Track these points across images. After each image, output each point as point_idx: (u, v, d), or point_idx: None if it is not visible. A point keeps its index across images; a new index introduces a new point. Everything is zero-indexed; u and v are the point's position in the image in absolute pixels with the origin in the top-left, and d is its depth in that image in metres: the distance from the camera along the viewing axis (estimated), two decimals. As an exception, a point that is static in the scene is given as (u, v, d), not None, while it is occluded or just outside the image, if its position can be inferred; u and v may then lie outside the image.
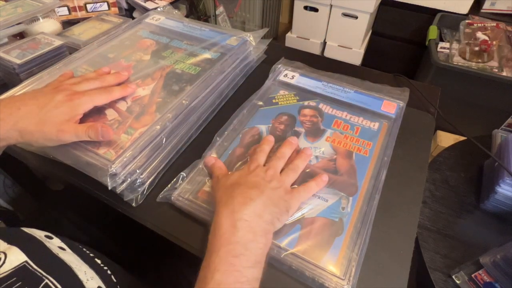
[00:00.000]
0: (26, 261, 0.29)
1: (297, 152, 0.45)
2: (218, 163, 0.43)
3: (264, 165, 0.40)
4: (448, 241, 0.61)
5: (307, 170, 0.43)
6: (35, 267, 0.30)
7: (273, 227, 0.35)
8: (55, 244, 0.35)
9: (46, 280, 0.29)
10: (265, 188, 0.36)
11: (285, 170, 0.40)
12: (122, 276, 0.39)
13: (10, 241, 0.31)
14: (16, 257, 0.29)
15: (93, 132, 0.39)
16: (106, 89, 0.45)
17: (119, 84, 0.48)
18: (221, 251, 0.30)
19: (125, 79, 0.50)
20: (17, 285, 0.27)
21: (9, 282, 0.27)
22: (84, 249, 0.38)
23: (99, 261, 0.38)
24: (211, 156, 0.44)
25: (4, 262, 0.28)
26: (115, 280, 0.37)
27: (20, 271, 0.28)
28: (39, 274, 0.29)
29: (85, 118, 0.44)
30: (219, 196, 0.36)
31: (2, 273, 0.27)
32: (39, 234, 0.35)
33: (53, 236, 0.37)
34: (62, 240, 0.37)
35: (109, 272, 0.37)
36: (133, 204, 0.40)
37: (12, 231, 0.34)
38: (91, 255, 0.38)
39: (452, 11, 1.44)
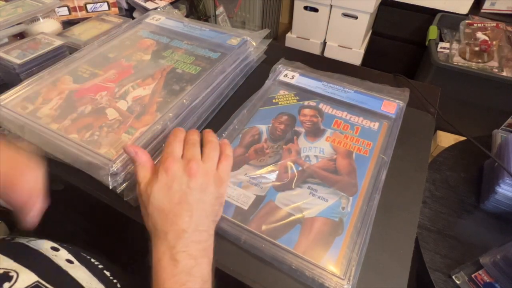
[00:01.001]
0: (38, 281, 0.29)
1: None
2: (141, 158, 0.36)
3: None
4: (448, 241, 0.61)
5: (305, 168, 0.43)
6: (47, 285, 0.29)
7: (212, 235, 0.34)
8: (62, 257, 0.35)
9: None
10: (193, 202, 0.33)
11: (206, 152, 0.37)
12: (129, 284, 0.39)
13: (18, 260, 0.30)
14: (27, 276, 0.29)
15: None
16: None
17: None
18: (166, 284, 0.30)
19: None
20: None
21: None
22: (92, 260, 0.38)
23: (108, 273, 0.37)
24: (131, 145, 0.36)
25: (16, 281, 0.28)
26: None
27: None
28: None
29: (85, 117, 0.45)
30: (150, 227, 0.34)
31: None
32: (45, 247, 0.35)
33: (59, 247, 0.36)
34: (69, 252, 0.36)
35: (118, 285, 0.37)
36: (133, 204, 0.40)
37: (19, 248, 0.33)
38: (100, 266, 0.38)
39: (452, 11, 1.44)
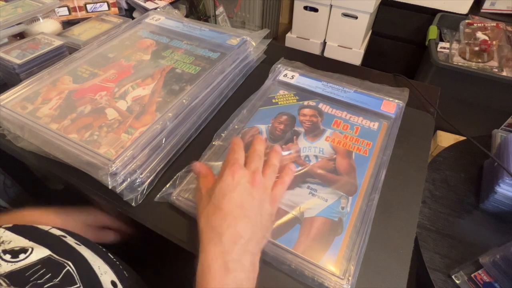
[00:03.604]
0: (50, 254, 0.31)
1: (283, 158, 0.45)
2: (203, 170, 0.39)
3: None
4: (448, 241, 0.61)
5: (306, 170, 0.43)
6: (57, 257, 0.31)
7: (260, 252, 0.33)
8: (71, 240, 0.37)
9: (68, 267, 0.31)
10: (252, 210, 0.33)
11: (267, 173, 0.38)
12: (130, 272, 0.40)
13: (32, 239, 0.33)
14: (41, 250, 0.31)
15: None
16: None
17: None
18: None
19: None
20: (42, 271, 0.29)
21: (34, 269, 0.29)
22: (97, 244, 0.39)
23: (112, 256, 0.39)
24: (198, 163, 0.40)
25: (31, 253, 0.30)
26: (127, 275, 0.37)
27: (45, 262, 0.30)
28: (61, 261, 0.31)
29: (84, 117, 0.45)
30: (203, 226, 0.33)
31: (30, 263, 0.29)
32: (54, 232, 0.37)
33: (66, 235, 0.37)
34: (76, 238, 0.38)
35: (121, 267, 0.38)
36: (133, 204, 0.40)
37: (32, 230, 0.35)
38: (104, 250, 0.39)
39: (452, 11, 1.44)
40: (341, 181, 0.41)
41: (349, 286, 0.32)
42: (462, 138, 0.97)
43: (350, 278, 0.33)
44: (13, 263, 0.29)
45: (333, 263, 0.34)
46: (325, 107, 0.52)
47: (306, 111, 0.51)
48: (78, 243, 0.37)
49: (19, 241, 0.32)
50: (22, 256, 0.30)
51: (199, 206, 0.36)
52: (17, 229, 0.34)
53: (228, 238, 0.31)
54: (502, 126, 1.01)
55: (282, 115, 0.51)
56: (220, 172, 0.36)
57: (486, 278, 0.52)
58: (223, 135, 0.47)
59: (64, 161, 0.41)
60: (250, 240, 0.32)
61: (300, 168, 0.43)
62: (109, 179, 0.38)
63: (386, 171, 0.43)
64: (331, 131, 0.48)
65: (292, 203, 0.39)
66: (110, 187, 0.38)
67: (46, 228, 0.37)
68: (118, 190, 0.39)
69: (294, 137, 0.47)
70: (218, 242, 0.31)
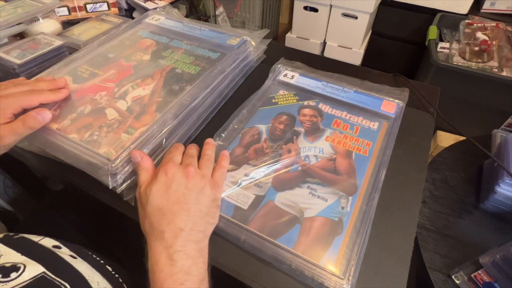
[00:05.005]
0: (44, 272, 0.30)
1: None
2: (145, 163, 0.38)
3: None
4: (448, 241, 0.61)
5: (305, 168, 0.43)
6: (53, 276, 0.31)
7: (207, 236, 0.35)
8: (65, 253, 0.36)
9: None
10: (190, 202, 0.34)
11: (202, 163, 0.39)
12: (130, 281, 0.39)
13: (25, 253, 0.32)
14: (34, 267, 0.30)
15: (31, 121, 0.39)
16: (34, 91, 0.42)
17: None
18: (165, 284, 0.30)
19: (61, 85, 0.47)
20: None
21: None
22: (94, 256, 0.39)
23: (110, 268, 0.38)
24: (138, 151, 0.39)
25: (23, 271, 0.29)
26: None
27: (39, 281, 0.29)
28: (57, 282, 0.30)
29: (84, 117, 0.45)
30: (147, 229, 0.34)
31: (22, 282, 0.28)
32: (46, 244, 0.36)
33: (61, 245, 0.37)
34: (71, 249, 0.37)
35: (120, 280, 0.37)
36: (133, 204, 0.40)
37: (25, 243, 0.34)
38: (102, 261, 0.38)
39: (452, 11, 1.44)
40: (341, 181, 0.41)
41: (349, 286, 0.32)
42: (462, 138, 0.97)
43: (350, 278, 0.33)
44: (4, 283, 0.27)
45: (333, 263, 0.34)
46: (325, 107, 0.52)
47: (306, 111, 0.51)
48: (74, 255, 0.36)
49: (10, 256, 0.31)
50: (13, 275, 0.28)
51: (139, 205, 0.36)
52: (8, 241, 0.33)
53: (169, 234, 0.32)
54: (502, 126, 1.01)
55: (282, 115, 0.51)
56: (157, 170, 0.37)
57: (486, 278, 0.52)
58: (223, 135, 0.47)
59: (64, 161, 0.41)
60: (192, 230, 0.33)
61: (300, 168, 0.43)
62: (109, 179, 0.38)
63: (386, 171, 0.43)
64: (331, 131, 0.48)
65: (292, 203, 0.39)
66: (110, 187, 0.38)
67: (36, 238, 0.36)
68: (118, 190, 0.39)
69: (294, 137, 0.47)
70: (161, 239, 0.32)
